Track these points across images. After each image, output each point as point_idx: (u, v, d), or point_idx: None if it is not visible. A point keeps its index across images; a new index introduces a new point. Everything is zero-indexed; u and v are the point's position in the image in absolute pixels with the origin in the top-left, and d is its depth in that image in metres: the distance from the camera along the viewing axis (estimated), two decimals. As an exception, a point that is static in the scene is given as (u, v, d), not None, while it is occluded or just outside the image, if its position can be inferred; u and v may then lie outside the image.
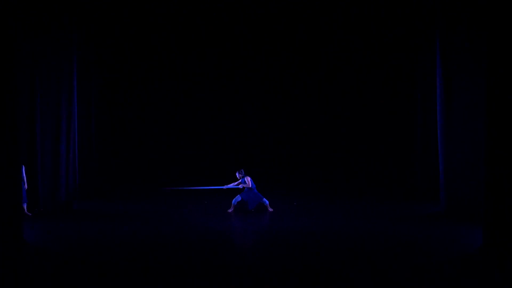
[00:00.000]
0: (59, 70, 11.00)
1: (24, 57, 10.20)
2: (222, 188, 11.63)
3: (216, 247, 7.81)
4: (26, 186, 10.09)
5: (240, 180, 11.04)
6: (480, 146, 8.66)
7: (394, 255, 7.25)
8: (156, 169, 15.89)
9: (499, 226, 7.11)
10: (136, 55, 15.49)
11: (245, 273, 6.37)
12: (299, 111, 16.07)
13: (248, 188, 10.88)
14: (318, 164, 15.88)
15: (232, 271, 6.48)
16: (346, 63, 15.55)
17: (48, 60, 10.79)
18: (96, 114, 13.99)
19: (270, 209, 10.97)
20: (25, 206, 10.00)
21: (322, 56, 15.66)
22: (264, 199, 10.96)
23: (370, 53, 15.20)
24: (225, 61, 15.88)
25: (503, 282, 5.98)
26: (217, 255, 7.29)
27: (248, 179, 10.91)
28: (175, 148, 16.05)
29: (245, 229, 9.57)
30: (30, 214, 10.17)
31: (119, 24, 14.71)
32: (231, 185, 11.24)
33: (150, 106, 15.90)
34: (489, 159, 7.31)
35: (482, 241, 7.51)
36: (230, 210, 10.92)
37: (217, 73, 15.98)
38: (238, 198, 10.91)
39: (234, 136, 16.18)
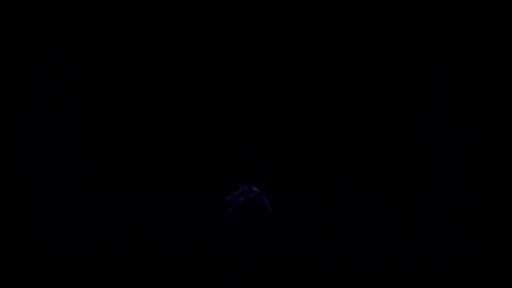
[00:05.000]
0: (59, 68, 11.00)
1: (24, 55, 10.19)
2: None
3: (216, 246, 7.82)
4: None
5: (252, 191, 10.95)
6: (480, 146, 8.67)
7: (393, 255, 7.25)
8: (156, 168, 15.87)
9: (499, 226, 7.11)
10: (136, 54, 15.47)
11: (244, 273, 6.38)
12: (299, 111, 16.06)
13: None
14: (318, 164, 15.87)
15: (230, 271, 6.49)
16: (345, 64, 15.54)
17: (49, 59, 10.79)
18: (97, 113, 13.98)
19: (270, 209, 10.97)
20: None
21: (321, 57, 15.65)
22: (264, 198, 10.95)
23: (371, 53, 15.19)
24: (226, 59, 15.87)
25: (503, 282, 5.99)
26: (216, 255, 7.30)
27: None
28: (176, 147, 16.04)
29: (246, 229, 9.59)
30: None
31: (120, 23, 14.71)
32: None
33: (151, 105, 15.88)
34: (489, 159, 7.32)
35: (482, 241, 7.52)
36: (230, 210, 10.93)
37: (217, 71, 15.97)
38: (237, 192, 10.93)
39: (233, 134, 16.17)
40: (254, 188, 10.88)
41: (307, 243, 8.11)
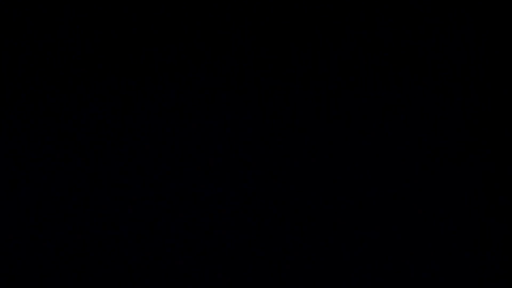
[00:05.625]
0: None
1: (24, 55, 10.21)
2: None
3: (214, 245, 7.81)
4: None
5: None
6: (480, 146, 8.68)
7: (392, 256, 7.24)
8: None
9: (500, 226, 7.12)
10: (134, 54, 15.58)
11: (242, 273, 6.36)
12: (296, 109, 16.16)
13: None
14: (317, 164, 15.98)
15: (228, 270, 6.48)
16: (343, 64, 15.64)
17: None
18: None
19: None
20: None
21: (319, 56, 15.74)
22: None
23: (371, 53, 15.29)
24: (223, 57, 15.96)
25: (503, 282, 5.98)
26: (214, 254, 7.29)
27: None
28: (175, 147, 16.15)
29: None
30: None
31: (119, 23, 14.79)
32: None
33: (151, 104, 16.01)
34: (489, 159, 7.32)
35: (483, 242, 7.51)
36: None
37: (214, 71, 16.06)
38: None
39: (230, 134, 16.28)
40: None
41: (305, 240, 8.11)
